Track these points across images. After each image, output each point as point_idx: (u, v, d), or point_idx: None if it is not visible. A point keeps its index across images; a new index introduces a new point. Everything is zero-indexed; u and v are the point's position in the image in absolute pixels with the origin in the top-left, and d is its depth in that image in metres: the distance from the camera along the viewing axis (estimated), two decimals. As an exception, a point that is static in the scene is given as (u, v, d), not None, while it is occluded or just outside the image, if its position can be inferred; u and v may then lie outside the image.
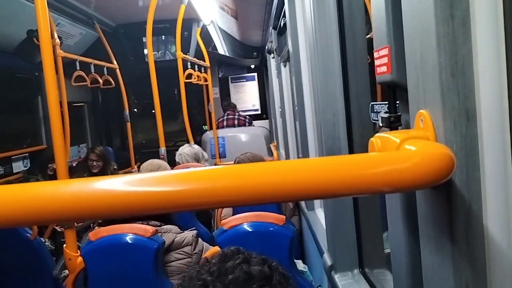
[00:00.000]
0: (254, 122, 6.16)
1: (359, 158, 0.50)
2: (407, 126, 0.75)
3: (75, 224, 2.01)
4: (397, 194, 0.74)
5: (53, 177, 3.69)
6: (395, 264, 0.82)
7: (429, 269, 0.63)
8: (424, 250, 0.64)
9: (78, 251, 1.73)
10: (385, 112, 0.79)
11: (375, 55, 0.78)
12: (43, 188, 0.51)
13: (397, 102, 0.78)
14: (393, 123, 0.75)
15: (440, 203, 0.57)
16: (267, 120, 6.60)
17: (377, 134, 0.61)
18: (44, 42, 1.73)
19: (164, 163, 2.84)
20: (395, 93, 0.77)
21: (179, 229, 1.85)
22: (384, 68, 0.74)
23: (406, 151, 0.51)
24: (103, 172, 3.81)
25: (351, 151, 1.35)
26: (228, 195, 0.51)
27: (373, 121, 1.15)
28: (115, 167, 4.08)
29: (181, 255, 1.78)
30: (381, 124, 0.79)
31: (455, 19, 0.54)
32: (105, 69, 4.13)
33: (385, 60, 0.74)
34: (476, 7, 0.54)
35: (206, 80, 5.08)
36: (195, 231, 1.86)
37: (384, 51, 0.73)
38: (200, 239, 1.87)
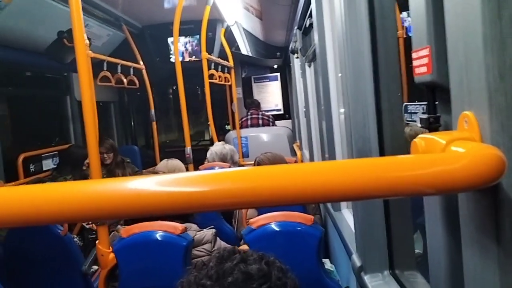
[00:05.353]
0: (277, 122, 6.15)
1: (407, 160, 0.50)
2: (446, 127, 0.74)
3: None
4: (436, 196, 0.73)
5: (86, 172, 3.78)
6: (432, 267, 0.81)
7: (471, 272, 0.63)
8: (467, 253, 0.63)
9: (110, 247, 1.78)
10: (423, 113, 0.79)
11: (414, 55, 0.78)
12: (79, 187, 0.53)
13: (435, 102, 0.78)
14: (432, 124, 0.75)
15: (485, 205, 0.56)
16: (289, 120, 6.59)
17: (420, 135, 0.60)
18: (78, 43, 1.78)
19: (180, 164, 2.86)
20: (434, 94, 0.76)
21: (198, 227, 1.88)
22: (424, 69, 0.74)
23: (453, 152, 0.51)
24: (113, 163, 3.95)
25: (381, 152, 1.34)
26: (262, 195, 0.52)
27: (407, 122, 1.15)
28: (128, 160, 4.17)
29: (201, 252, 1.80)
30: (419, 125, 0.78)
31: (503, 20, 0.54)
32: (131, 69, 4.20)
33: (425, 60, 0.73)
34: (525, 7, 0.53)
35: (228, 80, 5.11)
36: (213, 229, 1.88)
37: (425, 52, 0.73)
38: (218, 238, 1.90)
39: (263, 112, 6.08)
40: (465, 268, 0.64)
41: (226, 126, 6.55)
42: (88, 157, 3.71)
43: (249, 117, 5.87)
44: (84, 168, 3.76)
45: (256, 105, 6.09)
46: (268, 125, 5.83)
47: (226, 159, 3.47)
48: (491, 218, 0.55)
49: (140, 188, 0.51)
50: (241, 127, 5.66)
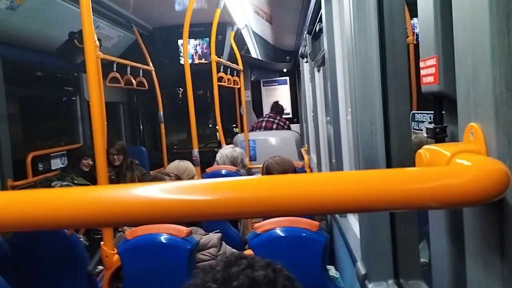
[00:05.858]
0: (285, 126, 6.12)
1: (411, 172, 0.50)
2: (453, 138, 0.74)
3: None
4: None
5: (89, 173, 3.80)
6: (436, 278, 0.80)
7: (475, 285, 0.62)
8: (470, 266, 0.62)
9: (115, 248, 1.78)
10: (430, 123, 0.78)
11: (421, 64, 0.77)
12: (85, 193, 0.53)
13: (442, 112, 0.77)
14: (438, 134, 0.74)
15: (489, 219, 0.55)
16: (298, 124, 6.57)
17: (425, 146, 0.60)
18: (88, 44, 1.79)
19: (191, 166, 2.87)
20: (441, 104, 0.76)
21: (204, 231, 1.88)
22: (430, 79, 0.73)
23: (458, 165, 0.50)
24: (123, 165, 4.00)
25: (388, 159, 1.33)
26: (269, 206, 0.51)
27: (414, 130, 1.14)
28: (136, 162, 4.19)
29: (206, 256, 1.80)
30: (425, 135, 0.78)
31: (511, 32, 0.53)
32: (141, 71, 4.22)
33: (432, 70, 0.73)
34: (534, 20, 0.52)
35: (237, 83, 5.11)
36: (219, 234, 1.88)
37: (432, 61, 0.72)
38: (223, 242, 1.89)
39: (281, 117, 6.00)
40: (468, 281, 0.63)
41: (234, 129, 6.56)
42: (88, 155, 3.75)
43: (265, 119, 5.83)
44: (85, 169, 3.79)
45: (279, 110, 6.01)
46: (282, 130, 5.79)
47: (236, 163, 3.47)
48: (496, 232, 0.54)
49: (146, 196, 0.51)
50: (254, 128, 5.65)
